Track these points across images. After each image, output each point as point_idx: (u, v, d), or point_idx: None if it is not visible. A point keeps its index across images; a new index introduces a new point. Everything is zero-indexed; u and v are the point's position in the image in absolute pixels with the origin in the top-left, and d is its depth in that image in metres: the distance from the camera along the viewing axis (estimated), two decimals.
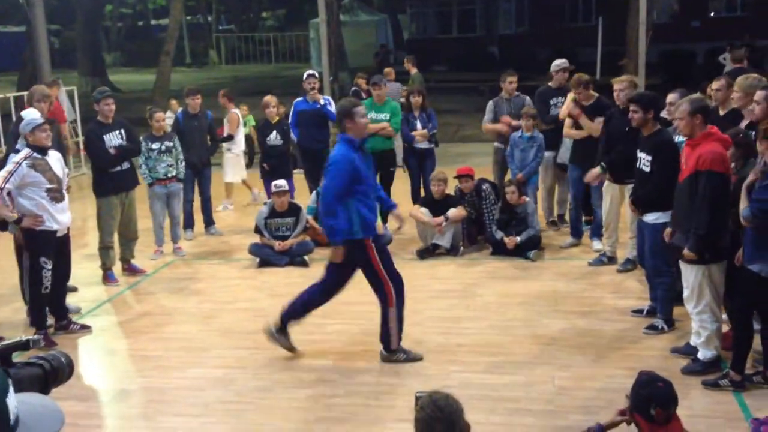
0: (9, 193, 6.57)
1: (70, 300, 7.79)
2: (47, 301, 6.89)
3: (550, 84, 9.69)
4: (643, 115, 6.56)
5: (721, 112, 6.82)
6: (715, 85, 7.04)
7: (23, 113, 6.86)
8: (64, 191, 6.84)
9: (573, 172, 8.92)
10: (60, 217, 6.77)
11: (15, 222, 6.65)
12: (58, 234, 6.81)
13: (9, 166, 6.53)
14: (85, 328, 7.15)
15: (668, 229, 5.98)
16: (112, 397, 5.86)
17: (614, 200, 8.01)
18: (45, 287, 6.75)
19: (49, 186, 6.63)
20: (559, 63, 9.66)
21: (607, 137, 7.94)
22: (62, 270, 7.02)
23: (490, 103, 9.96)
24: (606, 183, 8.05)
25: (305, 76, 10.40)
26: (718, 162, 5.39)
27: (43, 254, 6.70)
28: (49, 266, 6.73)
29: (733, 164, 5.61)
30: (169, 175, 9.20)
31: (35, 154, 6.61)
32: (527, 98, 9.85)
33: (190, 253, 9.55)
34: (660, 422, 3.46)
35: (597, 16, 17.95)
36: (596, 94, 8.85)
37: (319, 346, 6.54)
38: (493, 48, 33.05)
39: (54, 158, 6.81)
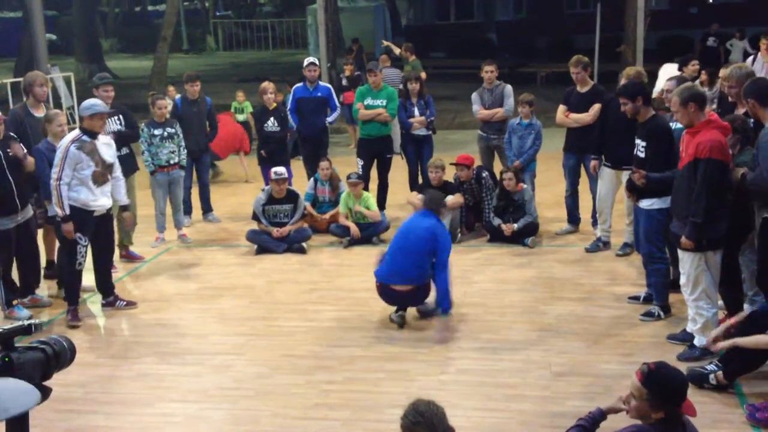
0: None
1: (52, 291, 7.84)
2: (81, 276, 7.16)
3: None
4: (633, 104, 6.60)
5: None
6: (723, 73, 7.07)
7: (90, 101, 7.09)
8: (109, 175, 7.07)
9: (568, 160, 8.93)
10: (101, 199, 7.00)
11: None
12: (96, 214, 7.00)
13: (59, 154, 6.77)
14: (131, 305, 7.36)
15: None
16: (110, 383, 5.87)
17: (610, 186, 8.05)
18: (79, 263, 6.98)
19: (94, 168, 6.88)
20: None
21: (605, 123, 7.98)
22: (105, 246, 7.30)
23: (474, 94, 9.91)
24: (602, 168, 8.08)
25: (306, 63, 10.35)
26: (717, 150, 5.40)
27: (79, 230, 6.90)
28: (84, 242, 6.95)
29: (730, 150, 5.63)
30: (172, 161, 9.16)
31: (84, 137, 6.85)
32: (508, 86, 9.81)
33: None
34: (680, 411, 3.50)
35: (595, 3, 17.85)
36: (593, 82, 8.88)
37: (317, 332, 6.56)
38: (491, 34, 32.90)
39: (103, 143, 7.04)
